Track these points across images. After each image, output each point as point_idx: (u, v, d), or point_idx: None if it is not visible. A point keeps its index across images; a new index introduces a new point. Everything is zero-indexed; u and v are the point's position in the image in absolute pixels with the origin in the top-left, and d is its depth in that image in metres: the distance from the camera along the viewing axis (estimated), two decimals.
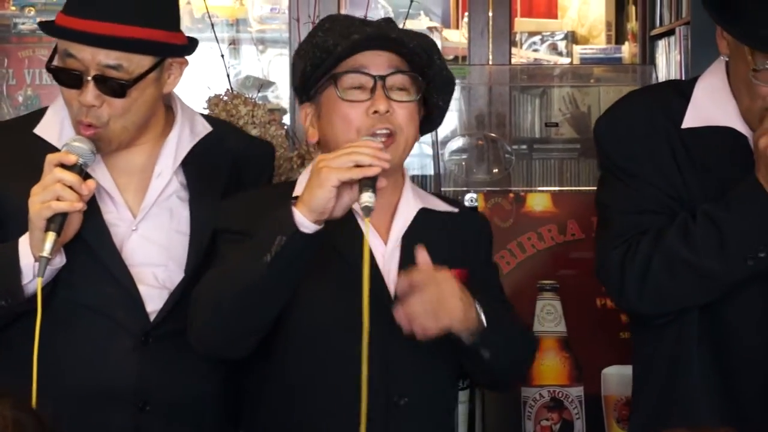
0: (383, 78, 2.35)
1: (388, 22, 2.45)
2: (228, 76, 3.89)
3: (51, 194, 2.29)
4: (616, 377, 3.33)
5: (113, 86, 2.38)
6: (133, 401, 2.42)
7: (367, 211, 2.18)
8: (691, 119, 2.44)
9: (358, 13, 4.31)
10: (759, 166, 2.31)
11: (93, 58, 2.37)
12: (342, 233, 2.33)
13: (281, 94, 4.73)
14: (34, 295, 2.31)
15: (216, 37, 3.94)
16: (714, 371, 2.42)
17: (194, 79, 4.86)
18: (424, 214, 2.45)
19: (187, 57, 2.52)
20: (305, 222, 2.19)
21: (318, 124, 2.41)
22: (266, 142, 2.87)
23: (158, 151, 2.51)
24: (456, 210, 2.52)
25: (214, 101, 3.50)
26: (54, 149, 2.43)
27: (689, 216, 2.36)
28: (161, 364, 2.46)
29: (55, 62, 2.42)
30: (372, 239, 2.37)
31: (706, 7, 2.41)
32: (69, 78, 2.39)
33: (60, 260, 2.34)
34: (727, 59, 2.41)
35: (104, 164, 2.47)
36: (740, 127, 2.39)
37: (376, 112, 2.34)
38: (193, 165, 2.53)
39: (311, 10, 4.08)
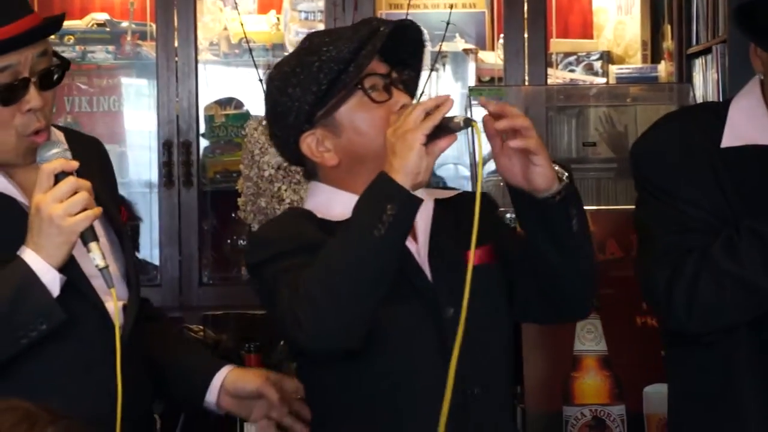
0: (389, 75, 2.35)
1: (370, 19, 2.46)
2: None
3: (80, 205, 2.21)
4: (658, 396, 3.33)
5: (53, 75, 2.33)
6: (130, 424, 2.33)
7: (467, 122, 2.15)
8: (730, 139, 2.45)
9: None
10: None
11: (27, 57, 2.29)
12: None
13: None
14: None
15: (254, 62, 3.98)
16: (765, 387, 2.42)
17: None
18: (439, 206, 2.44)
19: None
20: (406, 188, 2.16)
21: (336, 143, 2.34)
22: (92, 136, 2.74)
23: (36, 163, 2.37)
24: (459, 190, 2.53)
25: (253, 125, 3.54)
26: None
27: (734, 232, 2.36)
28: (133, 379, 2.36)
29: None
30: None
31: (738, 26, 2.43)
32: (15, 90, 2.29)
33: (63, 277, 2.25)
34: (762, 77, 2.43)
35: (13, 184, 2.38)
36: None
37: (403, 106, 2.32)
38: (78, 171, 2.38)
39: None
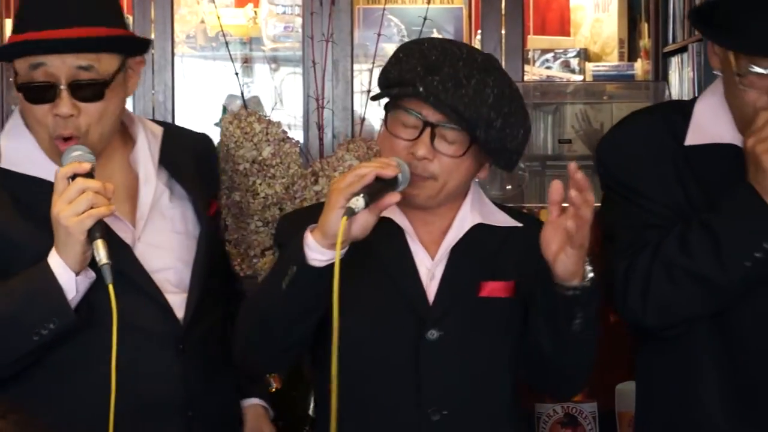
0: (434, 126, 2.33)
1: (452, 66, 2.34)
2: (242, 93, 3.92)
3: (85, 204, 2.27)
4: (630, 393, 3.32)
5: (89, 90, 2.37)
6: (180, 410, 2.46)
7: (349, 212, 2.16)
8: (693, 137, 2.47)
9: (372, 31, 4.34)
10: (749, 168, 2.33)
11: (64, 63, 2.36)
12: (388, 249, 2.38)
13: (295, 111, 4.76)
14: (80, 313, 2.34)
15: (230, 55, 3.97)
16: (728, 381, 2.43)
17: (209, 96, 4.93)
18: (478, 229, 2.44)
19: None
20: (318, 249, 2.19)
21: (381, 135, 2.46)
22: (204, 134, 2.83)
23: (127, 159, 2.52)
24: (519, 225, 2.49)
25: (228, 119, 3.53)
26: (30, 179, 2.42)
27: (687, 227, 2.38)
28: (200, 370, 2.50)
29: (21, 81, 2.40)
30: (418, 253, 2.41)
31: (693, 22, 2.49)
32: (42, 92, 2.37)
33: (92, 274, 2.34)
34: (719, 73, 2.45)
35: None
36: (741, 143, 2.42)
37: (413, 154, 2.33)
38: (169, 164, 2.54)
39: (325, 29, 4.11)
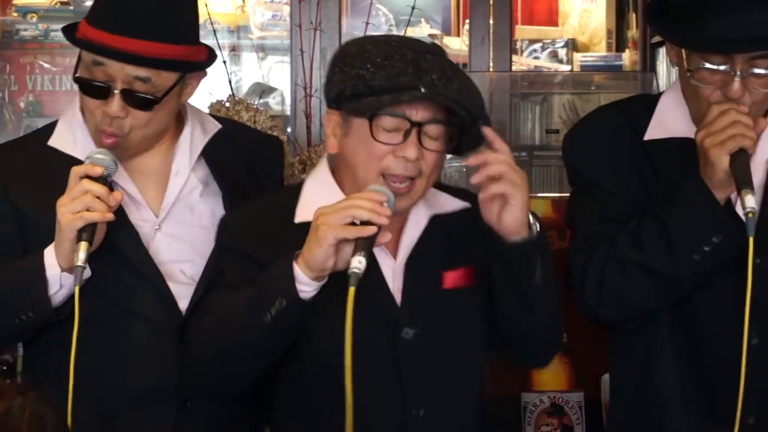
0: (420, 125, 2.28)
1: (436, 62, 2.32)
2: (230, 82, 3.92)
3: (81, 205, 2.33)
4: None
5: (140, 101, 2.42)
6: (175, 398, 2.47)
7: (354, 278, 2.13)
8: (653, 131, 2.50)
9: (360, 20, 4.34)
10: (700, 162, 2.34)
11: (122, 69, 2.41)
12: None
13: (283, 100, 4.76)
14: (61, 306, 2.39)
15: (218, 43, 3.96)
16: (687, 374, 2.44)
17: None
18: (435, 222, 2.42)
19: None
20: (306, 280, 2.17)
21: (341, 140, 2.34)
22: (274, 137, 2.91)
23: (173, 151, 2.55)
24: (469, 205, 2.46)
25: (216, 107, 3.52)
26: (71, 159, 2.48)
27: (640, 219, 2.39)
28: None
29: (80, 72, 2.46)
30: (380, 255, 2.36)
31: (648, 19, 2.51)
32: (96, 90, 2.43)
33: (87, 272, 2.36)
34: (677, 66, 2.47)
35: (122, 167, 2.50)
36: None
37: (404, 157, 2.28)
38: (210, 161, 2.57)
39: (313, 17, 4.10)
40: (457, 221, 2.45)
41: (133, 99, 2.42)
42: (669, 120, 2.48)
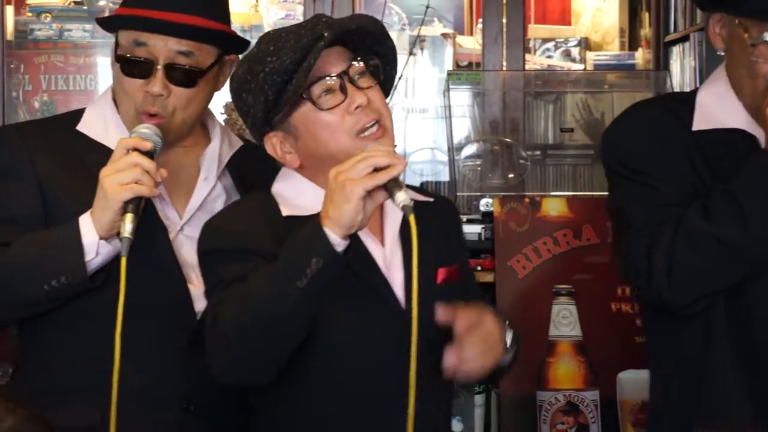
0: (346, 73, 2.30)
1: (319, 17, 2.37)
2: None
3: (131, 177, 2.32)
4: (632, 381, 3.35)
5: (184, 74, 2.45)
6: (179, 400, 2.46)
7: (409, 209, 2.13)
8: (700, 122, 2.47)
9: None
10: (767, 133, 2.33)
11: (165, 45, 2.44)
12: None
13: None
14: (94, 274, 2.37)
15: None
16: (743, 362, 2.43)
17: None
18: (417, 208, 2.33)
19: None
20: (337, 240, 2.13)
21: (296, 147, 2.34)
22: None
23: (199, 156, 2.57)
24: (431, 200, 2.48)
25: (231, 106, 3.52)
26: (100, 146, 2.49)
27: (705, 198, 2.37)
28: (205, 364, 2.48)
29: (122, 52, 2.47)
30: (369, 242, 2.36)
31: (699, 5, 2.49)
32: (139, 67, 2.44)
33: (118, 245, 2.35)
34: (723, 53, 2.45)
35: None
36: (748, 128, 2.42)
37: (358, 107, 2.29)
38: (234, 172, 2.60)
39: None
40: (429, 214, 2.41)
41: (177, 73, 2.44)
42: (714, 112, 2.46)
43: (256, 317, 2.18)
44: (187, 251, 2.49)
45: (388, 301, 2.33)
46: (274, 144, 2.35)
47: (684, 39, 4.43)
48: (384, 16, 4.08)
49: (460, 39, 5.09)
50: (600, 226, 3.50)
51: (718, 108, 2.46)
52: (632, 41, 5.17)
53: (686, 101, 2.51)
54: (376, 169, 2.14)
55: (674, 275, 2.34)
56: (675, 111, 2.50)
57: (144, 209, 2.37)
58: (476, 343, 2.24)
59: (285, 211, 2.34)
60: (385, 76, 2.41)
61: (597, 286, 3.41)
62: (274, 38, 2.32)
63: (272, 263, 2.19)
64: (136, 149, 2.36)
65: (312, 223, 2.16)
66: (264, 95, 2.29)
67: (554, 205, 3.55)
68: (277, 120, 2.32)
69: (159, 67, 2.43)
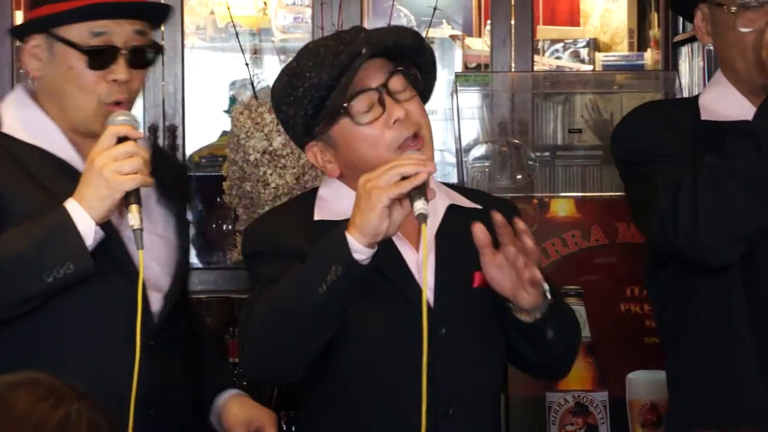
0: (385, 86, 2.34)
1: (358, 31, 2.40)
2: (252, 84, 3.92)
3: (131, 167, 2.32)
4: (641, 382, 3.34)
5: (145, 55, 2.46)
6: (140, 405, 2.41)
7: (423, 218, 2.16)
8: (706, 115, 2.52)
9: (381, 22, 4.33)
10: None
11: (122, 29, 2.43)
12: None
13: None
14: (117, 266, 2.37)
15: (240, 46, 3.96)
16: (764, 341, 2.43)
17: (219, 86, 4.93)
18: (452, 211, 2.44)
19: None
20: (360, 248, 2.17)
21: (337, 158, 2.39)
22: (182, 162, 2.92)
23: None
24: (480, 207, 2.49)
25: (239, 109, 3.53)
26: (29, 147, 2.45)
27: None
28: (164, 370, 2.49)
29: (84, 47, 2.44)
30: (403, 247, 2.38)
31: (673, 6, 2.58)
32: (105, 57, 2.43)
33: (101, 233, 2.35)
34: (712, 47, 2.52)
35: (80, 157, 2.48)
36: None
37: (396, 120, 2.32)
38: (157, 170, 2.54)
39: (335, 19, 4.10)
40: (474, 219, 2.41)
41: (139, 55, 2.45)
42: (718, 108, 2.51)
43: (282, 317, 2.24)
44: (133, 254, 2.44)
45: (417, 304, 2.33)
46: (315, 153, 2.40)
47: (692, 39, 4.42)
48: (392, 18, 4.08)
49: (468, 41, 5.08)
50: (608, 226, 3.49)
51: (722, 104, 2.50)
52: (641, 42, 5.15)
53: (688, 104, 2.57)
54: (405, 178, 2.17)
55: (701, 217, 2.35)
56: (680, 109, 2.53)
57: None
58: (508, 254, 2.28)
59: (317, 215, 2.39)
60: (424, 83, 2.44)
61: (606, 286, 3.41)
62: (313, 53, 2.35)
63: (301, 265, 2.24)
64: (126, 138, 2.33)
65: (338, 229, 2.19)
66: (303, 110, 2.34)
67: (562, 206, 3.55)
68: (318, 131, 2.37)
69: (124, 52, 2.42)
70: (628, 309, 3.44)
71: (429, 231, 2.38)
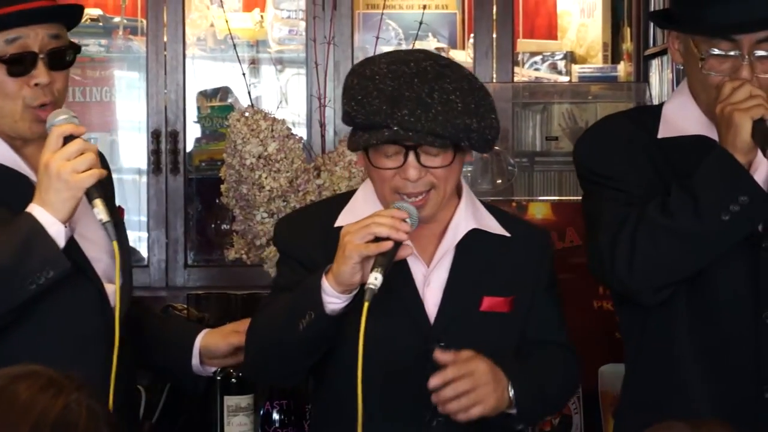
0: (416, 147, 2.26)
1: (420, 96, 2.25)
2: (249, 93, 3.93)
3: (86, 163, 2.26)
4: (612, 374, 3.35)
5: (62, 57, 2.41)
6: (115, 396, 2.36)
7: (369, 293, 2.14)
8: (665, 131, 2.51)
9: (371, 34, 4.34)
10: (721, 133, 2.35)
11: (37, 34, 2.39)
12: None
13: (298, 110, 4.76)
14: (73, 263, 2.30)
15: (238, 57, 3.96)
16: (704, 351, 2.43)
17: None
18: (475, 235, 2.39)
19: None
20: (335, 294, 2.18)
21: (365, 164, 2.35)
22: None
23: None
24: (508, 235, 2.45)
25: (235, 116, 3.53)
26: None
27: (665, 194, 2.39)
28: (125, 363, 2.41)
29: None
30: (413, 261, 2.35)
31: (653, 19, 2.56)
32: (24, 63, 2.38)
33: (68, 231, 2.31)
34: (681, 67, 2.49)
35: (23, 160, 2.45)
36: (710, 134, 2.45)
37: (406, 178, 2.28)
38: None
39: (327, 32, 4.11)
40: (499, 247, 2.42)
41: (57, 58, 2.40)
42: (678, 121, 2.50)
43: (270, 339, 2.29)
44: (86, 250, 2.40)
45: (416, 317, 2.33)
46: (360, 158, 2.39)
47: (662, 53, 4.43)
48: (381, 32, 4.08)
49: (452, 53, 5.09)
50: (583, 228, 3.49)
51: (681, 117, 2.49)
52: (615, 55, 5.17)
53: (653, 113, 2.56)
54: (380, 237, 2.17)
55: (635, 264, 2.36)
56: (641, 121, 2.53)
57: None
58: (454, 390, 2.24)
59: (339, 221, 2.36)
60: (481, 143, 2.31)
61: (580, 285, 3.41)
62: (365, 87, 2.26)
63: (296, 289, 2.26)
64: (72, 136, 2.28)
65: (319, 273, 2.21)
66: (350, 110, 2.29)
67: (539, 209, 3.56)
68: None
69: (42, 56, 2.38)
70: (600, 306, 3.45)
71: (441, 252, 2.37)
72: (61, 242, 2.28)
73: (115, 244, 2.25)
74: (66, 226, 2.29)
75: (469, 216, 2.40)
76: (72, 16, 2.50)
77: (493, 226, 2.43)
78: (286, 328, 2.23)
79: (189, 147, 4.57)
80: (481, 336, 2.36)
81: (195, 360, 2.66)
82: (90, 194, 2.26)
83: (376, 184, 2.32)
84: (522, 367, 2.36)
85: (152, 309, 2.86)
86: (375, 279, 2.14)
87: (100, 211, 2.26)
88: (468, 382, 2.24)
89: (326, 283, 2.18)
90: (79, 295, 2.39)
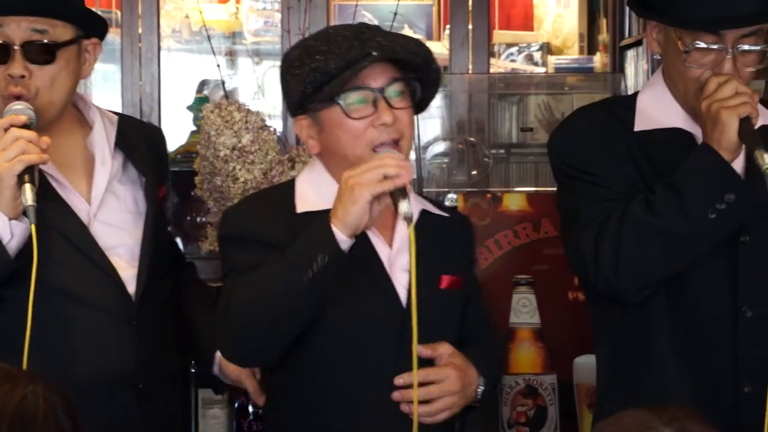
0: (383, 90, 2.29)
1: (376, 32, 2.34)
2: (222, 83, 3.90)
3: (15, 151, 2.24)
4: (587, 366, 3.32)
5: (41, 50, 2.37)
6: (131, 383, 2.41)
7: (409, 220, 2.15)
8: (641, 123, 2.45)
9: None
10: (706, 130, 2.30)
11: (19, 25, 2.36)
12: None
13: (274, 102, 4.73)
14: (17, 256, 2.28)
15: (212, 49, 3.94)
16: (683, 346, 2.41)
17: (193, 87, 4.89)
18: (425, 216, 2.42)
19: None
20: (343, 238, 2.16)
21: (319, 137, 2.35)
22: (156, 126, 2.86)
23: (83, 141, 2.50)
24: (447, 215, 2.49)
25: (210, 108, 3.50)
26: None
27: (649, 191, 2.34)
28: (151, 344, 2.45)
29: None
30: (377, 243, 2.36)
31: (631, 6, 2.51)
32: (1, 52, 2.36)
33: (27, 227, 2.27)
34: (660, 57, 2.45)
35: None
36: (686, 126, 2.41)
37: (383, 124, 2.28)
38: (125, 149, 2.52)
39: (301, 23, 4.08)
40: (443, 228, 2.44)
41: (34, 50, 2.36)
42: (653, 113, 2.44)
43: (265, 305, 2.21)
44: (106, 236, 2.42)
45: (389, 297, 2.32)
46: (301, 126, 2.36)
47: (638, 43, 4.41)
48: (355, 23, 4.05)
49: (428, 44, 5.05)
50: (558, 219, 3.47)
51: (657, 109, 2.44)
52: (591, 46, 5.16)
53: (627, 104, 2.49)
54: (386, 177, 2.16)
55: (620, 264, 2.31)
56: (617, 114, 2.48)
57: (53, 202, 2.31)
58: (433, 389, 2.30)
59: (300, 207, 2.35)
60: (423, 98, 2.39)
61: (554, 276, 3.39)
62: (330, 38, 2.30)
63: (284, 256, 2.21)
64: (11, 126, 2.26)
65: (321, 220, 2.18)
66: (303, 86, 2.29)
67: (514, 200, 3.53)
68: (310, 108, 2.33)
69: (16, 47, 2.35)
70: (575, 297, 3.42)
71: (401, 234, 2.37)
72: (6, 235, 2.26)
73: (33, 227, 2.21)
74: (20, 219, 2.26)
75: (414, 198, 2.40)
76: (56, 9, 2.42)
77: (433, 208, 2.47)
78: (288, 284, 2.18)
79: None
80: (444, 313, 2.38)
81: (216, 368, 2.66)
82: (20, 179, 2.24)
83: (348, 148, 2.30)
84: (488, 362, 2.41)
85: (198, 294, 2.80)
86: (408, 206, 2.15)
87: (25, 195, 2.22)
88: (438, 389, 2.29)
89: (335, 229, 2.16)
90: (94, 287, 2.40)
